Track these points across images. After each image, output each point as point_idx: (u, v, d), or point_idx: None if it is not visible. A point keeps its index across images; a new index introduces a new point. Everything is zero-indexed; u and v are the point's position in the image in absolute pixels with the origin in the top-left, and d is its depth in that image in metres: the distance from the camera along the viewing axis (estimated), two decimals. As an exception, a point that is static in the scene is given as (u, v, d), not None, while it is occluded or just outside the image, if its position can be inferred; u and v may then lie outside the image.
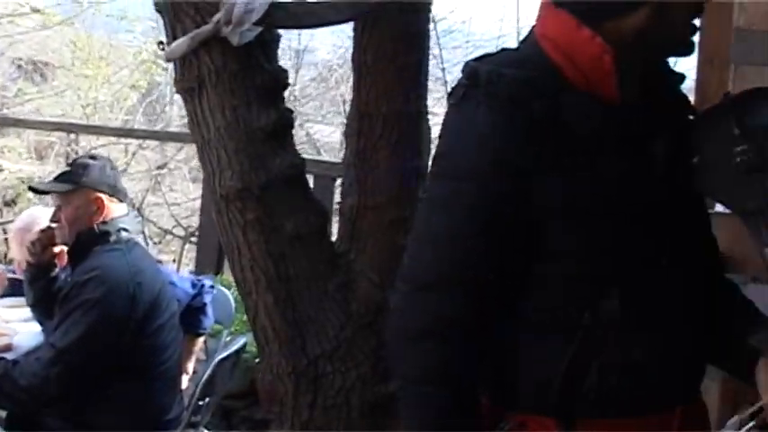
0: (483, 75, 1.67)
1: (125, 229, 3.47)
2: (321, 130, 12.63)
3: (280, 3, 3.01)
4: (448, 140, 1.74)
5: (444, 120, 1.77)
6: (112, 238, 3.42)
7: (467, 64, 1.72)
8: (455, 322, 1.69)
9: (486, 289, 1.69)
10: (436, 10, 8.37)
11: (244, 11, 2.91)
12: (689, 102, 1.86)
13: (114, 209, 3.49)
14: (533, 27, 1.78)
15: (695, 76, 3.64)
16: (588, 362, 1.68)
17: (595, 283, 1.69)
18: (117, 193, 3.52)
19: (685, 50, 1.74)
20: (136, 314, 3.33)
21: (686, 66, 3.58)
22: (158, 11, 3.21)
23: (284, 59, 10.72)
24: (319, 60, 12.70)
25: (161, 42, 3.21)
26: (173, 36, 3.13)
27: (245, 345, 4.01)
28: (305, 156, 3.38)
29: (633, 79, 1.70)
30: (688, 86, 3.82)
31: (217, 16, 2.98)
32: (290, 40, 10.17)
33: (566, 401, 1.69)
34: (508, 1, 12.46)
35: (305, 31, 9.31)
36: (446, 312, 1.68)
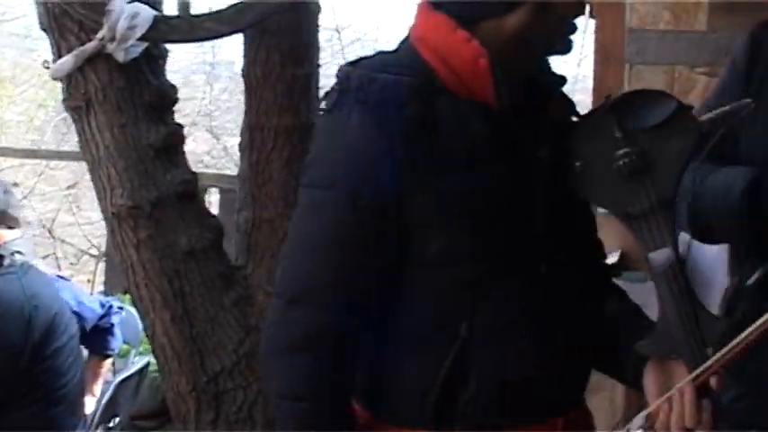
0: (354, 79, 1.63)
1: (19, 252, 3.42)
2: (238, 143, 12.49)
3: (164, 17, 2.98)
4: (318, 148, 1.71)
5: (316, 127, 1.75)
6: (6, 261, 3.36)
7: (340, 68, 1.68)
8: (325, 336, 1.65)
9: (356, 301, 1.65)
10: (342, 19, 8.36)
11: (127, 26, 2.88)
12: (572, 104, 1.82)
13: (6, 233, 3.43)
14: (410, 30, 1.74)
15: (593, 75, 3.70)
16: (465, 374, 1.65)
17: (470, 293, 1.65)
18: (7, 219, 3.47)
19: (564, 50, 1.71)
20: (32, 338, 3.29)
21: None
22: (44, 29, 3.16)
23: (199, 73, 10.68)
24: (234, 74, 12.60)
25: (46, 61, 3.17)
26: (58, 54, 3.09)
27: (147, 364, 3.97)
28: (226, 171, 3.36)
29: (512, 82, 1.66)
30: (588, 86, 3.86)
31: (101, 33, 2.94)
32: (204, 53, 10.07)
33: (443, 415, 1.66)
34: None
35: (219, 43, 9.19)
36: (315, 326, 1.64)
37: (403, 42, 1.73)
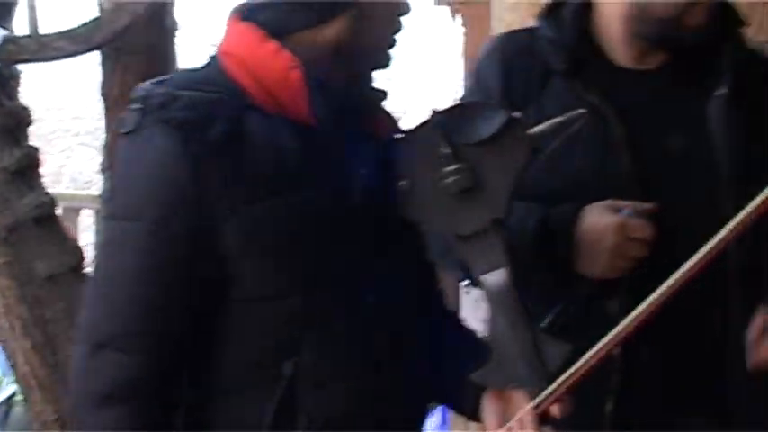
0: (156, 98, 1.49)
1: None
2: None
3: (13, 37, 2.91)
4: (119, 177, 1.56)
5: (116, 153, 1.59)
6: None
7: (140, 87, 1.54)
8: (137, 384, 1.49)
9: (170, 343, 1.51)
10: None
11: (-27, 48, 2.81)
12: (393, 120, 1.71)
13: None
14: (218, 45, 1.63)
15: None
16: (293, 416, 1.53)
17: (293, 328, 1.53)
18: None
19: (384, 64, 1.63)
20: None
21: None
22: None
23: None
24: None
25: None
26: None
27: (14, 393, 3.87)
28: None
29: (329, 97, 1.55)
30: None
31: (-52, 56, 2.87)
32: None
33: None
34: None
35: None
36: (125, 373, 1.48)
37: (212, 58, 1.62)
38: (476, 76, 1.91)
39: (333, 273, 1.55)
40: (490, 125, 1.58)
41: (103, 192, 1.57)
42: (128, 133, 1.51)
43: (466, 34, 3.69)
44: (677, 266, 1.55)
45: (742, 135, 1.76)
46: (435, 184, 1.57)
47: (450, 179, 1.55)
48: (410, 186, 1.59)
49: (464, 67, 3.74)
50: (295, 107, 1.53)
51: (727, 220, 1.56)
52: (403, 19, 1.62)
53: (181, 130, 1.47)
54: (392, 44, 1.63)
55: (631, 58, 1.83)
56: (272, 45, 1.53)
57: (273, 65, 1.53)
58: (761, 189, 1.59)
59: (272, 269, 1.52)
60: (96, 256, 1.60)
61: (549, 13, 1.87)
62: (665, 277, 1.55)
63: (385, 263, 1.60)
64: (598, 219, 1.70)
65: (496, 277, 1.54)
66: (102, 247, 1.56)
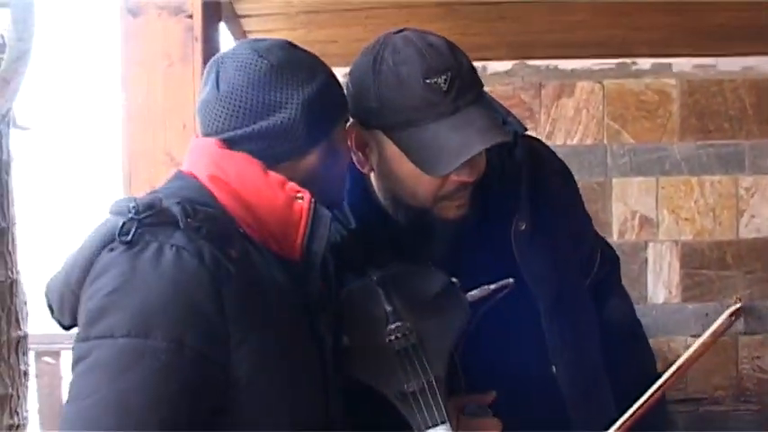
0: (170, 209, 1.40)
1: None
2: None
3: None
4: (113, 291, 1.36)
5: (98, 268, 1.40)
6: None
7: (125, 199, 1.42)
8: None
9: None
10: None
11: None
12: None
13: None
14: (192, 166, 1.55)
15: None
16: None
17: None
18: None
19: (339, 200, 1.69)
20: None
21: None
22: None
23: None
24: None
25: None
26: None
27: None
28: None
29: (323, 230, 1.52)
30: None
31: None
32: None
33: None
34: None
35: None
36: None
37: (183, 179, 1.55)
38: None
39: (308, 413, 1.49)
40: (430, 287, 1.64)
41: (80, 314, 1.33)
42: (126, 246, 1.38)
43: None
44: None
45: (550, 265, 1.83)
46: (378, 342, 1.59)
47: (393, 337, 1.58)
48: (352, 342, 1.60)
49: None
50: (285, 239, 1.49)
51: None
52: None
53: (208, 241, 1.39)
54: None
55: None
56: (277, 177, 1.50)
57: (275, 195, 1.49)
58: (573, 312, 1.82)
59: (275, 400, 1.44)
60: (72, 389, 1.36)
61: None
62: None
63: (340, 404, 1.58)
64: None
65: None
66: (95, 370, 1.35)
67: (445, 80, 1.61)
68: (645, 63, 3.82)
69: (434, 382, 1.56)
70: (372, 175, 1.77)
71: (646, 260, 3.83)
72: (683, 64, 3.82)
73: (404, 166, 1.66)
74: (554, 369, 1.83)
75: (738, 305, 1.63)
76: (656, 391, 1.68)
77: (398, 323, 1.59)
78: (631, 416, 1.68)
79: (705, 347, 1.69)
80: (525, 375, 1.78)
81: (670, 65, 3.82)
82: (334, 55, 3.60)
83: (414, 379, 1.56)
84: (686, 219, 3.82)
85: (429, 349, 1.58)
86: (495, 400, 1.72)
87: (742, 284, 3.77)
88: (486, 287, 1.68)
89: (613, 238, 3.74)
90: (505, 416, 1.70)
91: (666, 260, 3.82)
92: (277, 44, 1.56)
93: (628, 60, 3.82)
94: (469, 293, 1.67)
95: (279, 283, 1.47)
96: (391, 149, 1.66)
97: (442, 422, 1.55)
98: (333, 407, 1.54)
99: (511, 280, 1.69)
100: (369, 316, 1.61)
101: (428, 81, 1.61)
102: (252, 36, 3.06)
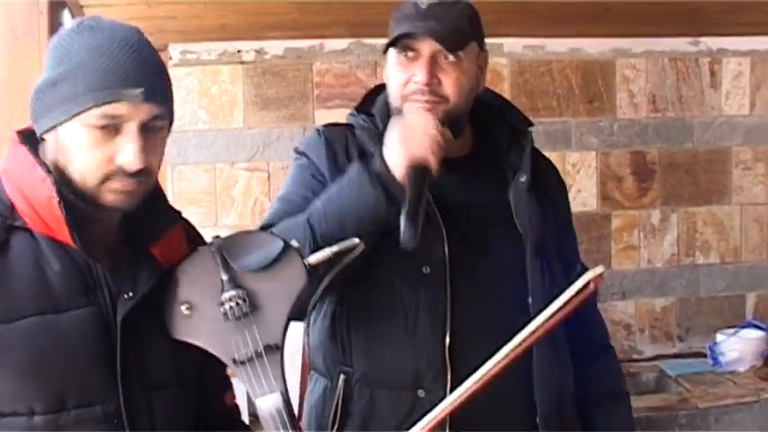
0: None
1: None
2: None
3: None
4: None
5: None
6: None
7: None
8: None
9: None
10: None
11: None
12: (185, 240, 1.75)
13: None
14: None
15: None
16: None
17: None
18: None
19: None
20: None
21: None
22: None
23: None
24: None
25: None
26: None
27: None
28: None
29: (85, 221, 1.57)
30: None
31: None
32: None
33: None
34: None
35: None
36: None
37: None
38: (303, 159, 2.12)
39: (84, 393, 1.54)
40: (267, 253, 1.66)
41: None
42: None
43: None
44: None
45: (539, 215, 2.09)
46: (215, 310, 1.61)
47: (228, 305, 1.60)
48: (190, 310, 1.62)
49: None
50: (60, 230, 1.54)
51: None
52: None
53: None
54: None
55: None
56: (40, 173, 1.54)
57: (40, 191, 1.54)
58: (552, 257, 2.07)
59: (24, 386, 1.50)
60: None
61: (359, 110, 2.15)
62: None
63: (149, 385, 1.61)
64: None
65: (269, 402, 1.57)
66: None
67: (427, 3, 1.99)
68: (477, 43, 3.90)
69: (263, 352, 1.59)
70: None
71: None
72: (513, 44, 3.91)
73: (388, 68, 2.05)
74: (530, 300, 2.01)
75: (600, 271, 1.66)
76: (502, 359, 1.68)
77: (232, 291, 1.60)
78: (477, 381, 1.69)
79: (561, 314, 1.72)
80: (505, 302, 2.00)
81: (501, 45, 3.90)
82: (172, 31, 3.63)
83: (244, 348, 1.59)
84: (516, 193, 3.93)
85: (264, 316, 1.61)
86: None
87: (568, 256, 3.89)
88: (330, 249, 1.71)
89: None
90: (486, 335, 1.81)
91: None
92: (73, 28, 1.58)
93: (462, 40, 3.89)
94: (312, 256, 1.69)
95: (53, 272, 1.53)
96: (390, 57, 2.04)
97: (272, 392, 1.57)
98: (127, 386, 1.57)
99: (356, 240, 1.74)
100: (207, 283, 1.63)
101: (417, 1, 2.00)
102: (89, 11, 3.03)
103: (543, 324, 1.69)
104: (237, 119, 3.68)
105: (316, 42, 3.68)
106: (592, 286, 1.69)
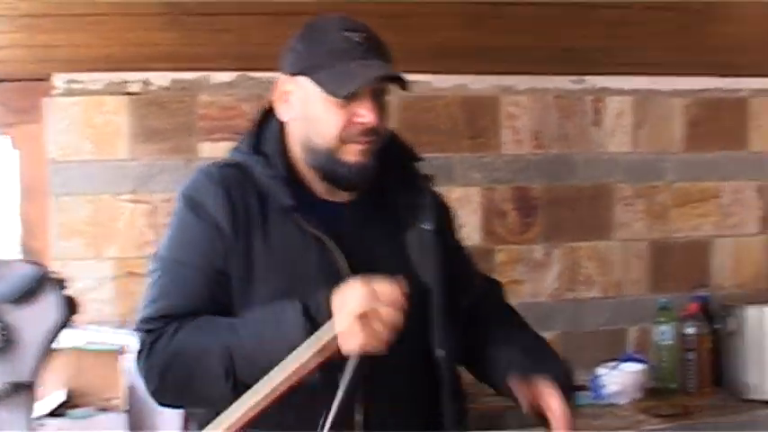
0: None
1: None
2: None
3: None
4: None
5: None
6: None
7: None
8: None
9: None
10: None
11: None
12: None
13: None
14: None
15: (19, 209, 3.65)
16: None
17: None
18: None
19: None
20: None
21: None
22: None
23: None
24: None
25: None
26: None
27: None
28: None
29: None
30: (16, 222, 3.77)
31: None
32: None
33: None
34: None
35: None
36: None
37: None
38: (197, 210, 1.98)
39: None
40: (24, 283, 1.58)
41: None
42: None
43: (21, 162, 3.68)
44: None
45: (441, 258, 2.07)
46: None
47: None
48: None
49: (21, 195, 3.67)
50: None
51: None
52: None
53: None
54: None
55: (324, 191, 2.06)
56: None
57: None
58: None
59: None
60: None
61: (252, 149, 2.05)
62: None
63: None
64: (348, 287, 1.81)
65: None
66: None
67: (360, 37, 1.95)
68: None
69: (17, 388, 1.54)
70: (290, 126, 2.04)
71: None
72: (398, 80, 3.93)
73: (317, 105, 1.96)
74: (442, 353, 2.00)
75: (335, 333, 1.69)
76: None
77: None
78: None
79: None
80: (414, 357, 2.00)
81: (388, 81, 3.91)
82: (56, 60, 3.58)
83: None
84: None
85: (18, 351, 1.55)
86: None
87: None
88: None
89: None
90: (395, 396, 1.88)
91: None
92: None
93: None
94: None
95: None
96: (308, 90, 1.97)
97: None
98: None
99: None
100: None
101: (346, 34, 1.95)
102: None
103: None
104: (122, 150, 3.65)
105: (201, 75, 3.68)
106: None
